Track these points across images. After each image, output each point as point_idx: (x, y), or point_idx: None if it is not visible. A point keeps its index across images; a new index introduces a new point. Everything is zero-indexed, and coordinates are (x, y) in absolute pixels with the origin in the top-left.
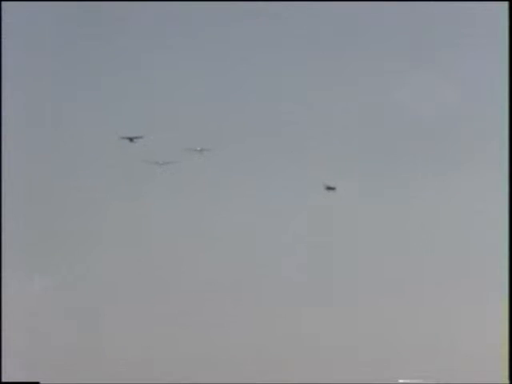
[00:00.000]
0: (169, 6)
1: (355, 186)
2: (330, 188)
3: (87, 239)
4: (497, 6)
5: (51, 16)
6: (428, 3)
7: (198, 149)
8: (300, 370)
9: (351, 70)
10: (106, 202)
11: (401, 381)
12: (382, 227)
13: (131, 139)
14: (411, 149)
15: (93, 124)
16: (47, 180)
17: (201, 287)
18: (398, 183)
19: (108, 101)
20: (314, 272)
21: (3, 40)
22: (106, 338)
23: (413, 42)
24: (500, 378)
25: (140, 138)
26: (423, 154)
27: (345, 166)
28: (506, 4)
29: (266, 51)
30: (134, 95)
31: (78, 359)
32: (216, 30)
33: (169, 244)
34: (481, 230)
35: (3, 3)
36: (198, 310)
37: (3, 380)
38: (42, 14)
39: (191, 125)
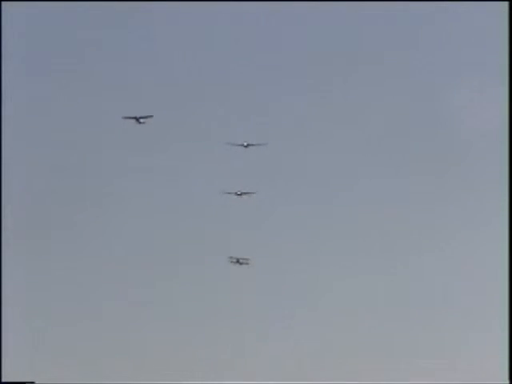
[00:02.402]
0: None
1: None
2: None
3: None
4: (497, 6)
5: (51, 16)
6: (428, 3)
7: (245, 144)
8: (292, 376)
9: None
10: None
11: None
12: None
13: (138, 119)
14: None
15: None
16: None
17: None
18: None
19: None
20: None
21: (3, 40)
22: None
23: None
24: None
25: (149, 117)
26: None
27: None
28: (506, 4)
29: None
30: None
31: (78, 359)
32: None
33: None
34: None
35: (3, 3)
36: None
37: (3, 380)
38: (42, 14)
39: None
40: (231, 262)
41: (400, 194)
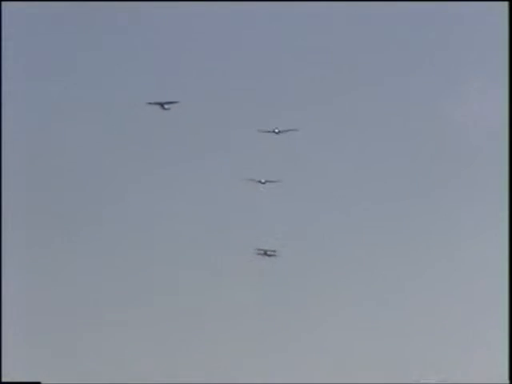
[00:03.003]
0: None
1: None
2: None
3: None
4: (497, 6)
5: (51, 16)
6: (428, 3)
7: (276, 130)
8: (317, 371)
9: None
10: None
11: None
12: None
13: (162, 105)
14: None
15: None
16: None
17: None
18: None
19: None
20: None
21: (3, 40)
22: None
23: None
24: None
25: (174, 103)
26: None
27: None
28: (506, 4)
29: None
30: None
31: (78, 359)
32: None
33: None
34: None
35: (3, 3)
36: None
37: (3, 380)
38: (42, 14)
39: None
40: (258, 254)
41: (400, 194)
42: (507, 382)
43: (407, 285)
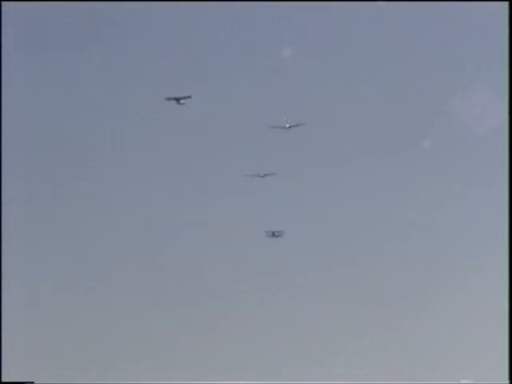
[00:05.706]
0: None
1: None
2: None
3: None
4: (497, 6)
5: (52, 16)
6: (428, 3)
7: (287, 126)
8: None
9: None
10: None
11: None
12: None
13: (178, 100)
14: None
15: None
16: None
17: None
18: None
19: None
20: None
21: (3, 40)
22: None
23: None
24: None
25: (188, 97)
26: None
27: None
28: (506, 4)
29: None
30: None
31: (78, 359)
32: None
33: None
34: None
35: (3, 3)
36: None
37: (3, 380)
38: (42, 13)
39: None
40: (267, 236)
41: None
42: (507, 382)
43: (408, 286)
